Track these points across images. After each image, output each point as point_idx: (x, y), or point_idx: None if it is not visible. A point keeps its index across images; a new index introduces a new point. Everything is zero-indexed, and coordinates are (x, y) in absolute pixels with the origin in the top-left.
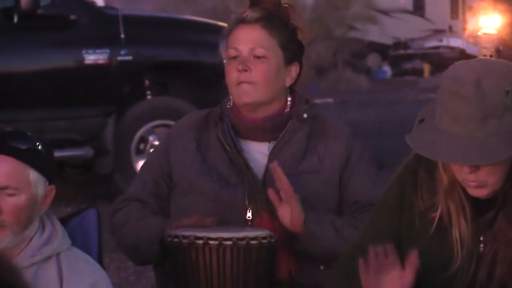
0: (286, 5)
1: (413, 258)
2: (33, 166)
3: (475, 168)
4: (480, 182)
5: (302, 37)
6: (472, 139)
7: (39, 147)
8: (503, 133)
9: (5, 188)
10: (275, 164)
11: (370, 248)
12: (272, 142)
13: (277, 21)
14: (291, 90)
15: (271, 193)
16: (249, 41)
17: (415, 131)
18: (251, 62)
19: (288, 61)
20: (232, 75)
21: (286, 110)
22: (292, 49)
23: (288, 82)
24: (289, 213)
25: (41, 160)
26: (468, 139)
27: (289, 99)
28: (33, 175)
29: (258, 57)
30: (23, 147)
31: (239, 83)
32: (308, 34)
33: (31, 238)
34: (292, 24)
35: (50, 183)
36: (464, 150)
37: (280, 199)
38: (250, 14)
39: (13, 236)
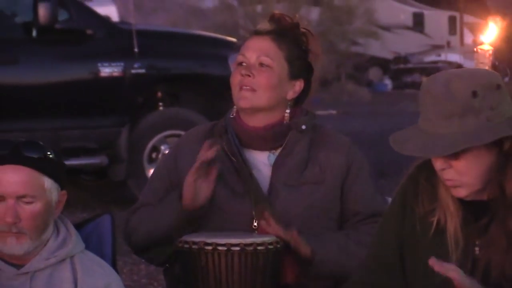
0: (305, 30)
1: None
2: (47, 174)
3: (446, 165)
4: (455, 181)
5: (314, 61)
6: (436, 135)
7: (51, 155)
8: (463, 133)
9: (23, 196)
10: (264, 222)
11: None
12: (272, 152)
13: (288, 38)
14: (295, 103)
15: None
16: (257, 50)
17: (401, 131)
18: (255, 69)
19: (293, 76)
20: (236, 78)
21: (285, 121)
22: (299, 66)
23: (290, 95)
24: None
25: (53, 168)
26: (433, 135)
27: (287, 111)
28: (47, 182)
29: (263, 65)
30: (36, 156)
31: (241, 87)
32: (321, 61)
33: (47, 242)
34: (305, 46)
35: (62, 189)
36: (425, 144)
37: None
38: (263, 26)
39: (31, 242)
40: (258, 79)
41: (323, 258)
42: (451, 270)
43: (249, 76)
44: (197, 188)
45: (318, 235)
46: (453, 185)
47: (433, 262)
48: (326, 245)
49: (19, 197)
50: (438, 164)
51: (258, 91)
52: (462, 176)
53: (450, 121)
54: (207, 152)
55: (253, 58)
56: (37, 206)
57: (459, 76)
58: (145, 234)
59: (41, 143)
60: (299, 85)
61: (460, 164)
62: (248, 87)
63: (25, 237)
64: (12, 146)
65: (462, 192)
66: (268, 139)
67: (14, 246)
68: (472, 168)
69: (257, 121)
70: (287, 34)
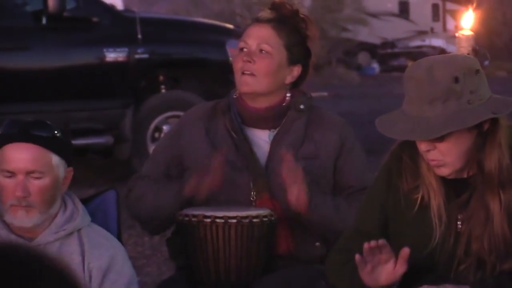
0: (303, 16)
1: (404, 253)
2: (54, 151)
3: (431, 147)
4: (438, 162)
5: (312, 46)
6: (421, 119)
7: (58, 134)
8: (445, 116)
9: (32, 172)
10: (284, 151)
11: (365, 245)
12: (272, 130)
13: (288, 26)
14: (294, 86)
15: (280, 176)
16: (258, 37)
17: (386, 114)
18: (256, 55)
19: (291, 62)
20: (238, 64)
21: (285, 103)
22: (297, 52)
23: (289, 80)
24: (297, 192)
25: (61, 146)
26: (418, 119)
27: (288, 94)
28: (55, 159)
29: (263, 52)
30: (45, 135)
31: (243, 72)
32: (318, 44)
33: (55, 216)
34: (304, 32)
35: (68, 166)
36: (412, 128)
37: (290, 180)
38: (264, 14)
39: (40, 215)
40: (259, 65)
41: (318, 208)
42: None
43: (250, 62)
44: (201, 185)
45: (315, 203)
46: (437, 165)
47: None
48: (323, 197)
49: (28, 173)
50: (423, 146)
51: (258, 76)
52: (446, 156)
53: (434, 105)
54: (216, 163)
55: (254, 45)
56: (45, 181)
57: (441, 62)
58: (146, 211)
59: (49, 122)
60: (297, 70)
61: (443, 146)
62: (249, 72)
63: (34, 210)
64: (21, 125)
65: (445, 171)
66: (269, 119)
67: (24, 219)
68: (455, 149)
69: (258, 104)
70: (287, 22)
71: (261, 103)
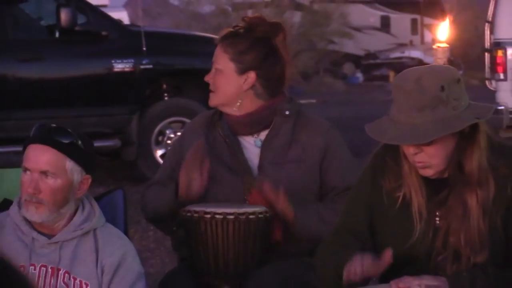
0: (273, 23)
1: (388, 256)
2: (70, 156)
3: (419, 150)
4: (425, 163)
5: (261, 48)
6: (412, 126)
7: (78, 142)
8: (435, 122)
9: (45, 172)
10: (260, 182)
11: (353, 262)
12: (255, 136)
13: (230, 39)
14: (272, 92)
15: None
16: (214, 57)
17: (374, 122)
18: (213, 73)
19: (241, 71)
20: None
21: (268, 110)
22: (246, 60)
23: (245, 87)
24: (282, 210)
25: (78, 153)
26: (409, 125)
27: (239, 101)
28: (69, 164)
29: (217, 70)
30: (63, 140)
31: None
32: (286, 45)
33: (73, 216)
34: (253, 37)
35: (87, 173)
36: (403, 134)
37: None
38: (221, 33)
39: (49, 213)
40: (214, 81)
41: (304, 224)
42: (414, 282)
43: (211, 79)
44: (189, 183)
45: (301, 205)
46: (423, 166)
47: (397, 283)
48: (307, 213)
49: (42, 172)
50: (411, 150)
51: (216, 91)
52: (432, 158)
53: (423, 112)
54: (192, 151)
55: (213, 65)
56: (57, 182)
57: (427, 73)
58: (152, 211)
59: (71, 131)
60: (251, 76)
61: (431, 149)
62: (212, 89)
63: (44, 208)
64: (46, 130)
65: (430, 172)
66: (248, 125)
67: (34, 214)
68: (440, 152)
69: (234, 112)
70: (229, 36)
71: (236, 112)
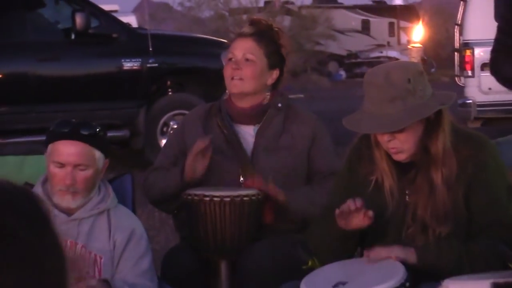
0: (277, 29)
1: (370, 212)
2: (97, 147)
3: (392, 137)
4: (397, 149)
5: (286, 53)
6: (385, 116)
7: (99, 132)
8: (406, 110)
9: (79, 165)
10: (251, 180)
11: (346, 203)
12: (256, 125)
13: (266, 38)
14: (273, 87)
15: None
16: (243, 48)
17: (350, 115)
18: (242, 63)
19: (271, 67)
20: (228, 72)
21: (265, 102)
22: (274, 59)
23: (270, 81)
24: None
25: (101, 142)
26: (382, 116)
27: (267, 94)
28: (97, 154)
29: (248, 60)
30: (89, 133)
31: (232, 78)
32: (290, 50)
33: (91, 197)
34: (278, 42)
35: (106, 158)
36: (378, 123)
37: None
38: (246, 30)
39: (82, 199)
40: (245, 71)
41: (295, 205)
42: (383, 253)
43: (238, 69)
44: (195, 166)
45: (291, 188)
46: (396, 152)
47: (370, 253)
48: (297, 196)
49: (76, 165)
50: (385, 137)
51: (245, 80)
52: (404, 144)
53: (394, 103)
54: (200, 143)
55: (240, 55)
56: (89, 172)
57: (394, 68)
58: (158, 192)
59: (93, 123)
60: (276, 73)
61: (402, 136)
62: (238, 77)
63: (79, 195)
64: (71, 125)
65: (402, 156)
66: (253, 116)
67: (70, 201)
68: (411, 137)
69: (244, 103)
70: (264, 34)
71: (246, 103)
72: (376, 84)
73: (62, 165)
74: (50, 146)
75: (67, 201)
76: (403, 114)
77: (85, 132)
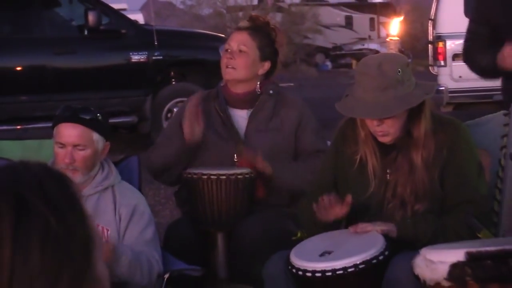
0: (273, 26)
1: (347, 200)
2: (95, 130)
3: (380, 122)
4: (384, 132)
5: (280, 48)
6: (377, 103)
7: (99, 117)
8: (397, 98)
9: (78, 145)
10: (257, 156)
11: (321, 198)
12: (249, 109)
13: (260, 32)
14: (266, 77)
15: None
16: (237, 41)
17: (341, 100)
18: (236, 54)
19: (262, 58)
20: (223, 60)
21: (257, 90)
22: (267, 51)
23: (261, 71)
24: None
25: (100, 126)
26: (374, 103)
27: (258, 83)
28: (95, 136)
29: (241, 51)
30: (88, 117)
31: (226, 66)
32: (284, 45)
33: (95, 176)
34: (273, 37)
35: (106, 140)
36: (371, 110)
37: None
38: (242, 24)
39: (82, 176)
40: (238, 61)
41: (280, 178)
42: (367, 227)
43: (232, 59)
44: (192, 130)
45: (279, 163)
46: (383, 135)
47: (355, 227)
48: (283, 169)
49: (75, 146)
50: (375, 122)
51: (238, 68)
52: (390, 128)
53: (386, 92)
54: (191, 105)
55: (235, 46)
56: (87, 152)
57: (385, 59)
58: (161, 161)
59: (92, 108)
60: (267, 65)
61: (390, 121)
62: (231, 66)
63: (78, 173)
64: (72, 110)
65: (388, 139)
66: (246, 101)
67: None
68: (397, 122)
69: (238, 89)
70: (259, 29)
71: (240, 89)
72: (369, 74)
73: (63, 145)
74: (55, 129)
75: None
76: (394, 102)
77: (84, 116)
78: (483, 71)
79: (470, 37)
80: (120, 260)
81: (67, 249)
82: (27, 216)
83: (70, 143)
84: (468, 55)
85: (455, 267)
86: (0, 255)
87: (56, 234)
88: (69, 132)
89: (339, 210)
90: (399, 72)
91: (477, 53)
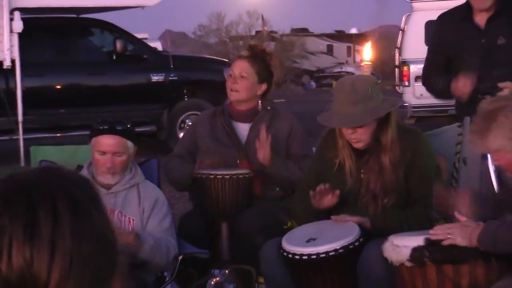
0: (269, 52)
1: (336, 192)
2: (128, 138)
3: (354, 131)
4: (357, 139)
5: (274, 71)
6: (350, 115)
7: (129, 127)
8: (367, 111)
9: (116, 152)
10: (264, 129)
11: (318, 187)
12: (250, 123)
13: (258, 59)
14: (263, 96)
15: (256, 143)
16: (239, 67)
17: (322, 113)
18: (238, 79)
19: (260, 81)
20: (228, 85)
21: (257, 107)
22: (264, 75)
23: (259, 92)
24: (264, 152)
25: (131, 134)
26: (348, 114)
27: (259, 101)
28: (129, 143)
29: (242, 77)
30: (122, 128)
31: (231, 89)
32: (278, 67)
33: (125, 176)
34: (269, 62)
35: (135, 145)
36: (345, 120)
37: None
38: (243, 53)
39: (119, 177)
40: (240, 85)
41: (275, 170)
42: (346, 217)
43: (235, 83)
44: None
45: (276, 159)
46: (356, 141)
47: (335, 218)
48: (277, 164)
49: (114, 153)
50: (349, 131)
51: (240, 91)
52: (362, 135)
53: (358, 105)
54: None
55: (237, 72)
56: (124, 157)
57: (357, 79)
58: (175, 178)
59: (124, 121)
60: (264, 86)
61: (362, 129)
62: (234, 89)
63: (117, 175)
64: (109, 123)
65: (360, 145)
66: (248, 116)
67: (110, 179)
68: (368, 131)
69: (241, 107)
70: (258, 56)
71: (243, 107)
72: (344, 90)
73: (104, 153)
74: (93, 139)
75: (108, 179)
76: (365, 114)
77: (119, 128)
78: (439, 93)
79: (428, 64)
80: (143, 246)
81: (104, 237)
82: (80, 212)
83: (110, 151)
84: (426, 79)
85: (415, 251)
86: (64, 245)
87: (99, 227)
88: (109, 142)
89: (330, 199)
90: (369, 89)
91: (433, 78)
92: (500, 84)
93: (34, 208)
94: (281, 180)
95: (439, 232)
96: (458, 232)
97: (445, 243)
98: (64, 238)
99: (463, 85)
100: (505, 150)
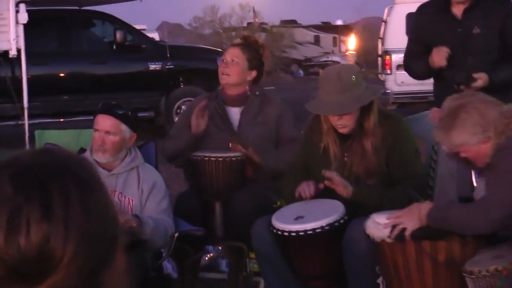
0: (260, 43)
1: (320, 186)
2: (123, 121)
3: (340, 117)
4: (343, 125)
5: (265, 60)
6: (337, 103)
7: (129, 113)
8: (352, 99)
9: (108, 131)
10: (237, 146)
11: (300, 186)
12: (241, 107)
13: (249, 48)
14: (254, 82)
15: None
16: (231, 54)
17: (309, 101)
18: (230, 64)
19: (250, 68)
20: (220, 69)
21: (248, 92)
22: (254, 63)
23: (249, 78)
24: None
25: (128, 119)
26: (335, 103)
27: (247, 87)
28: (123, 126)
29: (234, 62)
30: (119, 111)
31: (222, 73)
32: (269, 58)
33: (124, 158)
34: (260, 52)
35: (134, 132)
36: (332, 108)
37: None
38: (236, 41)
39: (110, 156)
40: (231, 69)
41: (266, 163)
42: (334, 175)
43: (226, 67)
44: (198, 123)
45: (264, 151)
46: (342, 127)
47: (325, 172)
48: (268, 156)
49: (106, 132)
50: (335, 117)
51: (231, 75)
52: (347, 122)
53: (343, 94)
54: (200, 106)
55: (229, 58)
56: (116, 138)
57: (343, 68)
58: (172, 149)
59: (123, 105)
60: (254, 73)
61: (347, 116)
62: (225, 73)
63: (107, 153)
64: (108, 105)
65: (346, 130)
66: (239, 101)
67: (101, 157)
68: (353, 117)
69: (232, 91)
70: (250, 45)
71: (233, 91)
72: (331, 80)
73: (98, 131)
74: (95, 119)
75: (99, 157)
76: (351, 102)
77: (115, 109)
78: (418, 75)
79: (408, 52)
80: (144, 228)
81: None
82: (87, 189)
83: (103, 130)
84: (407, 65)
85: (396, 228)
86: (76, 222)
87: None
88: (103, 121)
89: (315, 191)
90: (354, 78)
91: (414, 63)
92: (475, 75)
93: (47, 187)
94: (273, 170)
95: (391, 222)
96: (405, 218)
97: (397, 229)
98: (76, 215)
99: (437, 57)
100: (469, 144)
